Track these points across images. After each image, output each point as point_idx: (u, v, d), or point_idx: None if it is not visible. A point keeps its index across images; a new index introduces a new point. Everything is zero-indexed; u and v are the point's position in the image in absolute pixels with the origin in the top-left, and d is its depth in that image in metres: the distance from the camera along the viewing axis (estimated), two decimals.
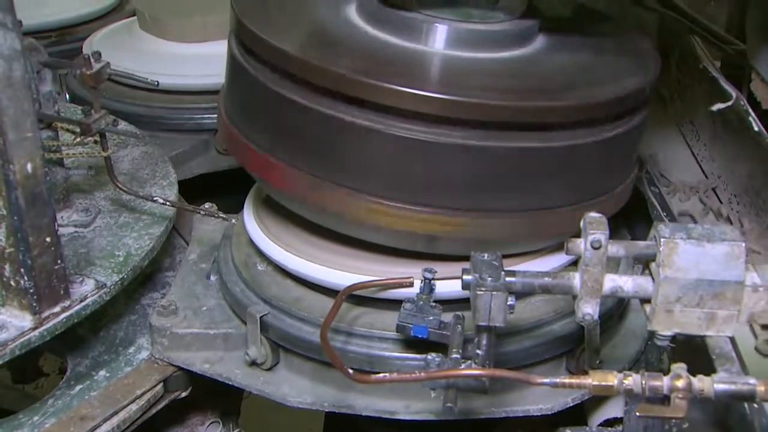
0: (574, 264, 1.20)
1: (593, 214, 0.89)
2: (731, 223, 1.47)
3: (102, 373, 1.26)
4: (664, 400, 0.84)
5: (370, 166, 1.12)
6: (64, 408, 1.19)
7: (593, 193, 1.20)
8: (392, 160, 1.10)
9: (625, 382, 0.84)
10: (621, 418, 1.21)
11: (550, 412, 1.19)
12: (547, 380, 0.86)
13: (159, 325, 1.26)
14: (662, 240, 0.86)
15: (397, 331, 1.12)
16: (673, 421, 1.04)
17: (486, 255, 0.95)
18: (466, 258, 0.96)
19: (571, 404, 1.20)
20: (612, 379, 0.84)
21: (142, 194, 1.44)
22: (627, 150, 1.25)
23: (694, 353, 0.99)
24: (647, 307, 0.91)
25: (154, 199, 1.44)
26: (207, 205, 1.54)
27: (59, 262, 1.14)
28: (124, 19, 2.18)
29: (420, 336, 1.10)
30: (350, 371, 0.98)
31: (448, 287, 1.14)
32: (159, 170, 1.56)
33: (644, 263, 0.92)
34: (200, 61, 1.89)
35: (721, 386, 0.83)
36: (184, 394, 1.29)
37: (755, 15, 1.52)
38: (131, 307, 1.41)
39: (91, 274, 1.26)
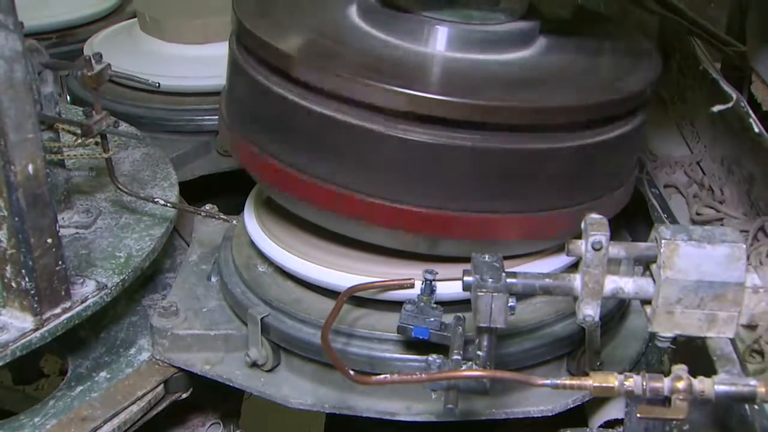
0: (574, 266, 1.21)
1: (594, 216, 0.89)
2: (713, 192, 1.52)
3: (103, 374, 1.26)
4: (665, 401, 0.84)
5: (370, 167, 1.12)
6: (64, 409, 1.19)
7: (594, 194, 1.20)
8: (393, 161, 1.11)
9: (626, 383, 0.84)
10: (622, 420, 1.21)
11: (550, 414, 1.19)
12: (547, 381, 0.86)
13: (160, 326, 1.27)
14: (663, 241, 0.86)
15: (398, 333, 1.12)
16: (674, 422, 1.04)
17: (487, 256, 0.95)
18: (467, 259, 0.96)
19: (572, 405, 1.20)
20: (613, 380, 0.84)
21: (143, 195, 1.44)
22: (627, 151, 1.25)
23: (695, 355, 1.00)
24: (648, 309, 0.91)
25: (155, 200, 1.44)
26: (208, 207, 1.54)
27: (60, 263, 1.15)
28: (125, 21, 2.18)
29: (421, 337, 1.10)
30: (351, 372, 0.99)
31: (449, 288, 1.14)
32: (160, 171, 1.56)
33: (645, 265, 0.92)
34: (201, 63, 1.89)
35: (721, 387, 0.83)
36: (184, 396, 1.29)
37: (755, 17, 1.52)
38: (132, 308, 1.41)
39: (92, 275, 1.26)
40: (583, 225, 0.89)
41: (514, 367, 1.16)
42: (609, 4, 1.76)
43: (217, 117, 1.39)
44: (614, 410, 1.23)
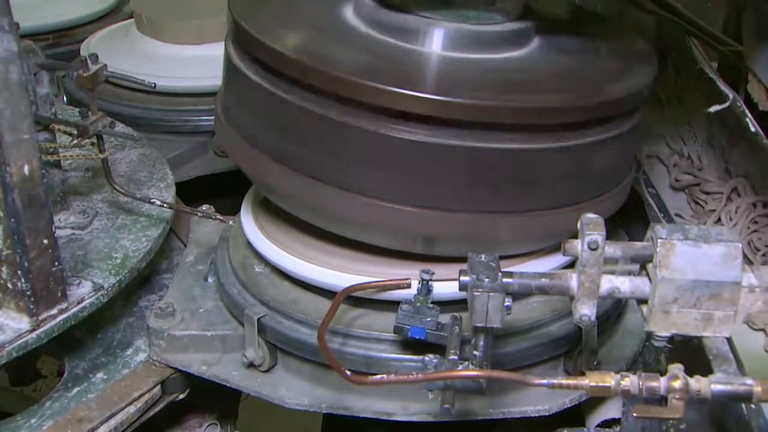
0: (571, 265, 1.21)
1: (590, 215, 0.89)
2: (692, 161, 1.58)
3: (99, 375, 1.26)
4: (662, 400, 0.84)
5: (367, 167, 1.12)
6: (61, 410, 1.19)
7: (590, 194, 1.20)
8: (389, 161, 1.11)
9: (623, 383, 0.84)
10: (619, 419, 1.21)
11: (547, 413, 1.19)
12: (544, 381, 0.86)
13: (156, 327, 1.26)
14: (659, 241, 0.86)
15: (394, 333, 1.12)
16: (671, 421, 1.04)
17: (483, 256, 0.95)
18: (463, 259, 0.96)
19: (569, 405, 1.20)
20: (609, 380, 0.84)
21: (140, 196, 1.44)
22: (624, 151, 1.25)
23: (692, 354, 1.00)
24: (644, 308, 0.91)
25: (152, 201, 1.44)
26: (204, 207, 1.54)
27: (56, 264, 1.14)
28: (121, 22, 2.18)
29: (417, 337, 1.10)
30: (347, 373, 0.98)
31: (446, 288, 1.14)
32: (156, 172, 1.56)
33: (641, 264, 0.92)
34: (197, 63, 1.89)
35: (718, 387, 0.83)
36: (181, 396, 1.29)
37: (752, 16, 1.52)
38: (129, 309, 1.40)
39: (89, 276, 1.26)
40: (579, 225, 0.89)
41: (510, 366, 1.16)
42: (606, 4, 1.76)
43: (213, 117, 1.39)
44: (611, 410, 1.23)
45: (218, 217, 1.50)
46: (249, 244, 1.33)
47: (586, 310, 0.90)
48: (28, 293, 1.12)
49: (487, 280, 0.91)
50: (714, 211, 1.49)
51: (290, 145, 1.17)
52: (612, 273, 0.91)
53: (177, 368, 1.26)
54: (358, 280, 1.16)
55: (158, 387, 1.25)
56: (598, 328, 1.18)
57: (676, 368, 0.84)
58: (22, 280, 1.11)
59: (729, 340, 0.90)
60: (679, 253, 0.86)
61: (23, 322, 1.13)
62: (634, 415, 0.86)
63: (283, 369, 1.26)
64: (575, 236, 0.90)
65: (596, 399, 1.24)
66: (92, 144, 1.33)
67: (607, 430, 1.22)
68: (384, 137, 1.08)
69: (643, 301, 0.91)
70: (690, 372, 0.84)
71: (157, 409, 1.26)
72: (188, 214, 1.54)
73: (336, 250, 1.24)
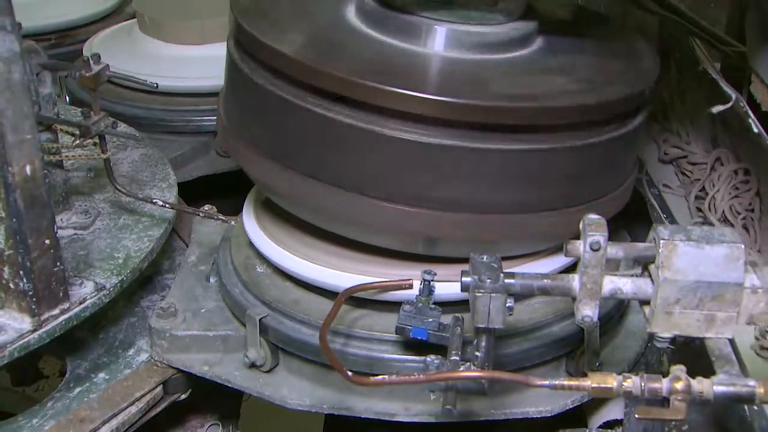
0: (573, 266, 1.20)
1: (592, 216, 0.89)
2: (680, 136, 1.65)
3: (101, 375, 1.26)
4: (664, 402, 0.84)
5: (369, 168, 1.12)
6: (63, 410, 1.19)
7: (593, 195, 1.20)
8: (391, 162, 1.10)
9: (625, 384, 0.84)
10: (621, 420, 1.21)
11: (549, 414, 1.19)
12: (546, 382, 0.85)
13: (158, 327, 1.26)
14: (661, 242, 0.86)
15: (396, 333, 1.12)
16: (673, 423, 1.04)
17: (485, 257, 0.95)
18: (465, 260, 0.96)
19: (571, 406, 1.20)
20: (611, 381, 0.84)
21: (142, 196, 1.44)
22: (627, 152, 1.25)
23: (694, 355, 0.99)
24: (646, 309, 0.90)
25: (154, 201, 1.44)
26: (206, 207, 1.54)
27: (58, 264, 1.14)
28: (124, 22, 2.18)
29: (419, 338, 1.10)
30: (349, 374, 0.98)
31: (448, 289, 1.14)
32: (158, 172, 1.56)
33: (643, 265, 0.92)
34: (199, 64, 1.89)
35: (720, 388, 0.83)
36: (183, 397, 1.29)
37: (755, 17, 1.52)
38: (130, 309, 1.40)
39: (91, 276, 1.26)
40: (581, 225, 0.89)
41: (512, 367, 1.16)
42: (608, 4, 1.75)
43: (215, 118, 1.39)
44: (614, 411, 1.23)
45: (220, 217, 1.50)
46: (251, 245, 1.33)
47: (589, 311, 0.90)
48: (30, 293, 1.12)
49: (489, 280, 0.91)
50: (699, 180, 1.54)
51: (292, 145, 1.17)
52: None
53: (179, 368, 1.26)
54: (360, 281, 1.16)
55: (160, 387, 1.25)
56: (600, 329, 1.18)
57: (679, 369, 0.84)
58: (24, 281, 1.11)
59: (731, 341, 0.90)
60: (682, 254, 0.86)
61: (25, 322, 1.13)
62: (636, 416, 0.86)
63: (284, 369, 1.26)
64: (577, 237, 0.90)
65: (598, 400, 1.24)
66: (94, 144, 1.33)
67: (609, 431, 1.22)
68: (386, 138, 1.08)
69: (645, 302, 0.91)
70: (692, 373, 0.84)
71: (158, 409, 1.26)
72: (190, 214, 1.54)
73: (338, 250, 1.24)
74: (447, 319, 1.10)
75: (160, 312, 1.28)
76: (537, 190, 1.14)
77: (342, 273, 1.21)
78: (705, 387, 0.83)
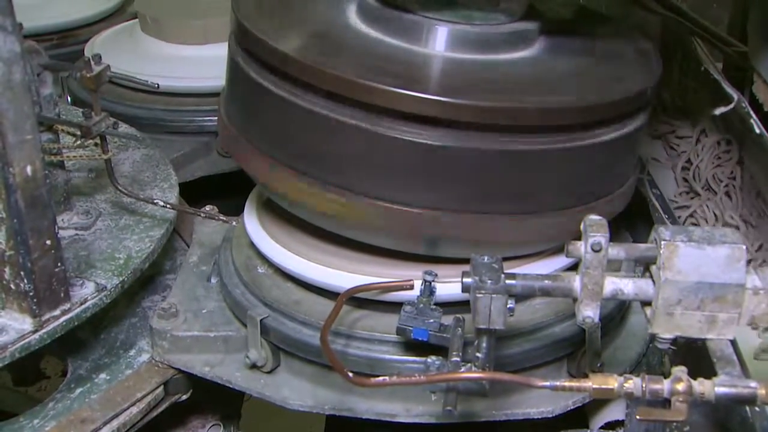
0: (574, 267, 1.20)
1: (594, 217, 0.89)
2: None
3: (102, 375, 1.26)
4: (665, 403, 0.84)
5: (370, 168, 1.12)
6: (64, 411, 1.19)
7: (594, 195, 1.20)
8: (392, 162, 1.10)
9: (626, 385, 0.83)
10: (622, 421, 1.21)
11: (550, 415, 1.19)
12: (547, 383, 0.85)
13: (159, 328, 1.26)
14: (663, 242, 0.86)
15: (397, 334, 1.11)
16: (674, 424, 1.04)
17: (486, 258, 0.94)
18: (466, 261, 0.96)
19: (572, 407, 1.20)
20: (612, 382, 0.84)
21: (143, 197, 1.44)
22: (628, 152, 1.25)
23: (695, 356, 0.99)
24: (648, 310, 0.90)
25: (155, 201, 1.44)
26: (208, 208, 1.54)
27: (59, 264, 1.14)
28: (125, 22, 2.18)
29: (420, 339, 1.09)
30: (350, 375, 0.98)
31: (449, 290, 1.14)
32: (160, 173, 1.56)
33: (645, 266, 0.91)
34: (201, 64, 1.89)
35: (721, 389, 0.83)
36: (184, 397, 1.29)
37: (757, 17, 1.52)
38: (132, 309, 1.40)
39: (92, 276, 1.26)
40: (582, 226, 0.89)
41: (513, 368, 1.16)
42: (610, 4, 1.75)
43: (216, 118, 1.39)
44: (615, 412, 1.23)
45: (221, 217, 1.50)
46: (252, 245, 1.33)
47: (590, 312, 0.90)
48: (31, 294, 1.12)
49: (489, 281, 0.90)
50: (685, 152, 1.59)
51: (293, 145, 1.17)
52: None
53: (180, 369, 1.26)
54: (361, 281, 1.16)
55: (161, 388, 1.25)
56: (601, 330, 1.18)
57: (680, 371, 0.84)
58: (25, 281, 1.11)
59: (733, 342, 0.89)
60: (683, 254, 0.86)
61: (26, 323, 1.13)
62: (638, 417, 0.86)
63: (285, 370, 1.26)
64: (578, 238, 0.89)
65: (600, 401, 1.24)
66: (95, 144, 1.33)
67: None
68: (387, 138, 1.08)
69: (646, 303, 0.90)
70: (694, 374, 0.84)
71: (159, 409, 1.26)
72: (191, 215, 1.54)
73: (339, 251, 1.24)
74: (448, 319, 1.10)
75: (161, 312, 1.28)
76: (538, 191, 1.14)
77: (343, 273, 1.21)
78: (706, 388, 0.83)
